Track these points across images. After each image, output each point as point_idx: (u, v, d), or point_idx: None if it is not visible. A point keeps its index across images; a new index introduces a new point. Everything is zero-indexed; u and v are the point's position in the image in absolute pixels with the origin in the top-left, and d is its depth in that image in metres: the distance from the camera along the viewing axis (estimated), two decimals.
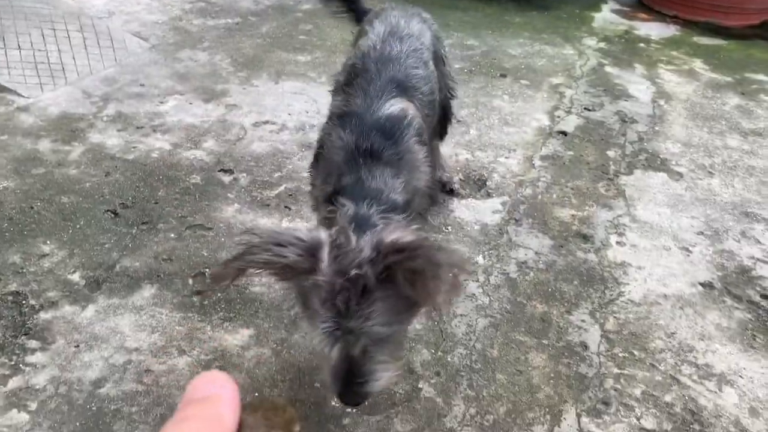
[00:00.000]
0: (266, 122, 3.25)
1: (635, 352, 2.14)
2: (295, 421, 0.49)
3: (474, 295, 2.32)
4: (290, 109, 3.38)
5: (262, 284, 2.29)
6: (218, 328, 2.11)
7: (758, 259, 2.56)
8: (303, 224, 2.59)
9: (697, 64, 4.21)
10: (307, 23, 4.44)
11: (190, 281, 2.29)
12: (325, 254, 1.35)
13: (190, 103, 3.37)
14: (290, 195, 2.75)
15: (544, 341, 2.15)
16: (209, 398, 0.45)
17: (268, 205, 2.68)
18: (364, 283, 1.31)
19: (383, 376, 1.45)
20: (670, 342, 2.19)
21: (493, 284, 2.38)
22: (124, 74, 3.62)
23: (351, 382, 1.43)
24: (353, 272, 1.31)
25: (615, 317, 2.27)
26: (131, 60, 3.77)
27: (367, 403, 1.69)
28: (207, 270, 2.33)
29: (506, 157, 3.12)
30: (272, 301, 2.23)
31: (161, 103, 3.37)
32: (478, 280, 2.39)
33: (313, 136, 3.09)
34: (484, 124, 3.33)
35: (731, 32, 4.77)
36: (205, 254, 2.41)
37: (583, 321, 2.24)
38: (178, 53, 3.89)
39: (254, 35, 4.18)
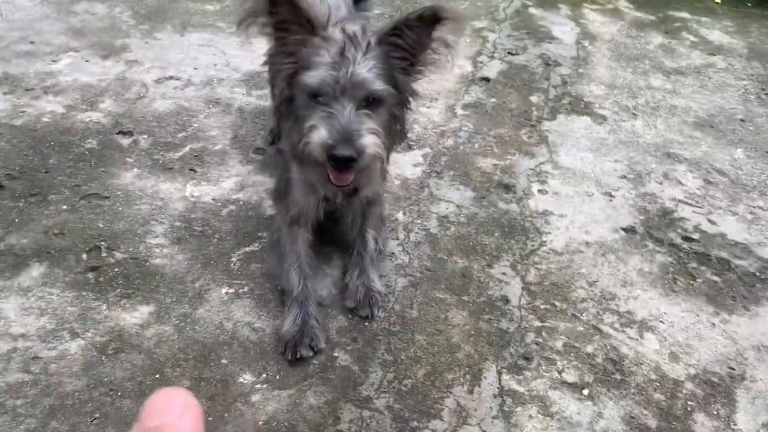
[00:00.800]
0: (170, 78, 3.02)
1: (557, 303, 2.08)
2: None
3: (393, 254, 2.22)
4: (196, 63, 3.14)
5: (163, 255, 2.13)
6: (115, 306, 1.95)
7: (680, 201, 2.54)
8: (212, 187, 2.42)
9: (622, 3, 4.14)
10: None
11: (84, 256, 2.10)
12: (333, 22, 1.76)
13: (87, 61, 3.10)
14: (196, 156, 2.56)
15: (464, 298, 2.07)
16: (162, 430, 0.40)
17: (172, 169, 2.49)
18: (368, 41, 1.64)
19: (372, 140, 1.63)
20: (591, 291, 2.14)
21: (413, 241, 2.27)
22: (11, 31, 3.29)
23: (346, 131, 1.60)
24: (360, 33, 1.65)
25: (536, 268, 2.20)
26: (19, 15, 3.43)
27: (354, 165, 1.66)
28: (103, 243, 2.15)
29: (427, 107, 2.99)
30: (175, 274, 2.07)
31: (54, 61, 3.08)
32: (397, 238, 2.28)
33: (221, 91, 2.89)
34: None
35: None
36: (101, 226, 2.22)
37: (504, 274, 2.17)
38: (73, 6, 3.57)
39: None
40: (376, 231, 2.13)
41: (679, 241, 2.36)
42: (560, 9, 4.06)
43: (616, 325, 2.03)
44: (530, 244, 2.30)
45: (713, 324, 2.06)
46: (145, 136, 2.63)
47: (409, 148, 2.71)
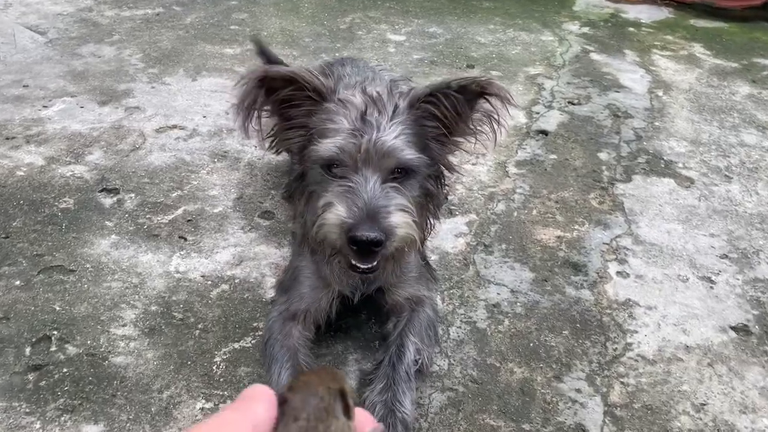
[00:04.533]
0: (173, 127, 2.59)
1: None
2: (343, 377, 0.54)
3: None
4: (206, 111, 2.72)
5: (128, 351, 1.63)
6: (52, 425, 1.45)
7: None
8: (203, 260, 1.94)
9: (697, 49, 3.62)
10: (242, 12, 3.79)
11: (28, 350, 1.62)
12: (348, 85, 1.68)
13: (82, 107, 2.71)
14: (189, 220, 2.09)
15: (525, 426, 1.51)
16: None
17: (157, 236, 2.02)
18: (396, 104, 1.42)
19: (402, 219, 1.38)
20: (700, 419, 1.56)
21: (455, 339, 1.73)
22: (6, 74, 2.94)
23: (370, 208, 1.35)
24: (385, 94, 1.45)
25: (622, 383, 1.63)
26: (18, 57, 3.10)
27: (377, 261, 1.39)
28: (55, 333, 1.67)
29: (473, 164, 2.48)
30: (139, 379, 1.57)
31: (45, 107, 2.70)
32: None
33: (231, 143, 2.45)
34: None
35: (730, 14, 4.19)
36: (57, 308, 1.74)
37: (578, 391, 1.60)
38: (80, 48, 3.22)
39: (176, 26, 3.53)
40: (422, 342, 1.62)
41: None
42: (626, 55, 3.56)
43: None
44: (612, 348, 1.73)
45: None
46: (133, 195, 2.19)
47: (450, 214, 2.20)
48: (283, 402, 0.51)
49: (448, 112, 1.41)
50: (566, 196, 2.31)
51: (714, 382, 1.66)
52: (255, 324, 1.73)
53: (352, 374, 1.62)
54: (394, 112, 1.40)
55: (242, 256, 1.96)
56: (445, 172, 1.55)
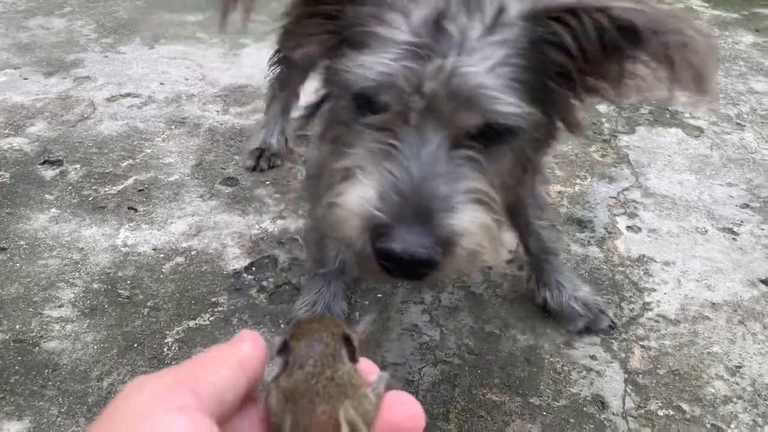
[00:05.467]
0: (126, 95, 2.33)
1: (684, 407, 1.27)
2: (345, 324, 0.52)
3: (416, 326, 1.44)
4: (164, 78, 2.46)
5: (64, 335, 1.38)
6: None
7: None
8: (155, 232, 1.69)
9: (694, 2, 3.40)
10: None
11: None
12: None
13: (25, 79, 2.44)
14: (141, 190, 1.84)
15: (532, 400, 1.27)
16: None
17: (104, 208, 1.77)
18: (501, 6, 0.85)
19: (473, 220, 0.85)
20: (736, 383, 1.33)
21: (447, 306, 1.50)
22: None
23: (420, 195, 0.83)
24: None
25: (642, 347, 1.40)
26: None
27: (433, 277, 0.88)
28: None
29: None
30: (75, 366, 1.32)
31: None
32: (422, 301, 1.51)
33: (190, 109, 2.21)
34: None
35: None
36: None
37: (593, 358, 1.37)
38: (27, 21, 2.95)
39: None
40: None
41: None
42: None
43: None
44: (628, 308, 1.50)
45: None
46: (78, 166, 1.93)
47: None
48: (284, 349, 0.48)
49: (591, 45, 0.84)
50: (565, 150, 2.08)
51: (748, 341, 1.43)
52: (214, 299, 1.49)
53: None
54: (495, 20, 0.84)
55: (200, 225, 1.71)
56: (557, 132, 1.01)
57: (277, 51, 1.90)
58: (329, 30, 0.92)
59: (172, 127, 2.14)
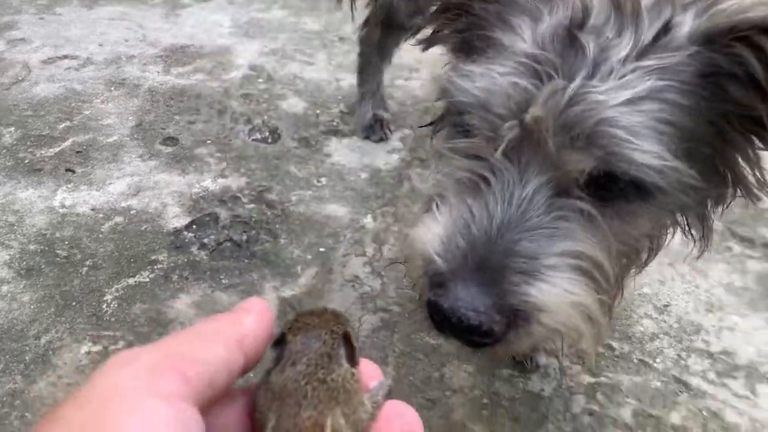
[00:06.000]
0: (64, 57, 2.27)
1: (614, 345, 1.33)
2: (348, 320, 0.48)
3: (357, 277, 1.46)
4: (103, 39, 2.40)
5: (1, 296, 1.36)
6: None
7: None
8: (94, 193, 1.66)
9: None
10: None
11: None
12: None
13: None
14: (79, 152, 1.80)
15: None
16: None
17: (40, 170, 1.73)
18: (667, 21, 0.66)
19: (560, 292, 0.67)
20: (664, 321, 1.39)
21: (389, 258, 1.52)
22: None
23: (494, 252, 0.67)
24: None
25: None
26: None
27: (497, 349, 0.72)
28: None
29: (406, 79, 2.25)
30: (11, 326, 1.30)
31: None
32: (364, 254, 1.53)
33: (130, 70, 2.16)
34: None
35: None
36: None
37: None
38: None
39: None
40: None
41: None
42: None
43: (711, 375, 1.28)
44: None
45: None
46: (12, 129, 1.88)
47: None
48: (281, 342, 0.45)
49: None
50: None
51: (677, 281, 1.49)
52: (154, 257, 1.48)
53: (271, 303, 1.39)
54: (655, 39, 0.65)
55: (140, 185, 1.69)
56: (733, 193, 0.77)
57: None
58: (457, 29, 0.81)
59: (112, 88, 2.10)
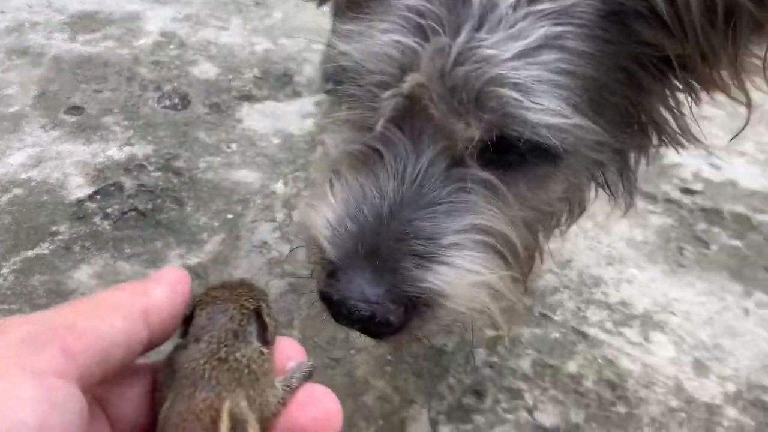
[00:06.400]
0: None
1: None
2: (264, 295, 0.46)
3: (266, 243, 1.45)
4: (4, 5, 2.28)
5: None
6: None
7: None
8: None
9: None
10: None
11: None
12: None
13: None
14: None
15: None
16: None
17: None
18: None
19: (462, 273, 0.62)
20: (565, 276, 1.44)
21: (299, 223, 1.51)
22: None
23: (389, 234, 0.62)
24: None
25: None
26: None
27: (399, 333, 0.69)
28: None
29: (323, 43, 2.22)
30: None
31: None
32: (273, 219, 1.52)
33: (34, 38, 2.06)
34: (292, 3, 2.40)
35: None
36: None
37: None
38: None
39: None
40: None
41: (677, 194, 1.67)
42: None
43: (608, 325, 1.33)
44: None
45: (746, 310, 1.38)
46: None
47: (296, 94, 1.94)
48: (191, 316, 0.41)
49: (694, 14, 0.56)
50: None
51: (580, 239, 1.53)
52: (54, 228, 1.44)
53: None
54: None
55: (41, 156, 1.63)
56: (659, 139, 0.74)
57: None
58: None
59: (13, 57, 2.00)
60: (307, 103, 1.91)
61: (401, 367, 1.21)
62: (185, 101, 1.85)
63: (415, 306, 0.62)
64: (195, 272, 1.35)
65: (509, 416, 1.15)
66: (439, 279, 0.61)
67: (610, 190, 0.79)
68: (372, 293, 0.60)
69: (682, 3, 0.55)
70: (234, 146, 1.71)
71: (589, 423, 1.15)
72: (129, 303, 0.37)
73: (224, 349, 0.40)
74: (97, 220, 1.47)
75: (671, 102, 0.68)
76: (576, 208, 0.80)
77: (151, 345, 0.38)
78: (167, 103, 1.84)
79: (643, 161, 0.78)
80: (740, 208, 1.63)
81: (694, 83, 0.65)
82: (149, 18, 2.23)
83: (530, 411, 1.17)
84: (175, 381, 0.39)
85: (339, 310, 0.63)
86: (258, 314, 0.43)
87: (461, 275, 0.62)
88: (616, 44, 0.61)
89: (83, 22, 2.20)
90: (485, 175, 0.63)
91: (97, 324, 0.34)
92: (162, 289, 0.40)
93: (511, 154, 0.62)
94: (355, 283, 0.60)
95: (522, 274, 0.73)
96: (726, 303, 1.39)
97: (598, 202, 1.53)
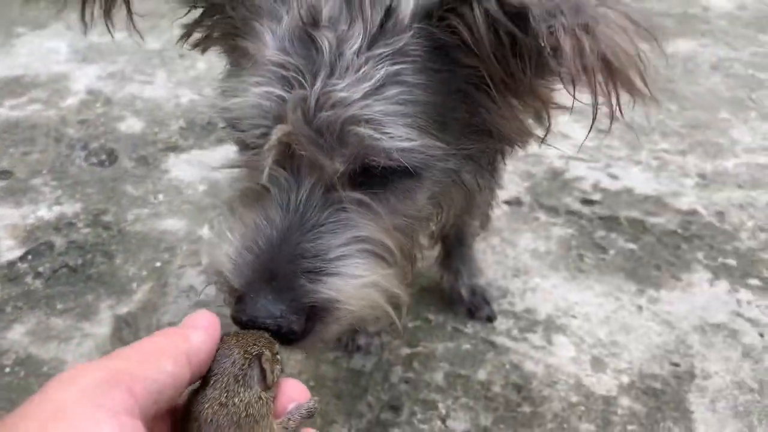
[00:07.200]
0: None
1: (430, 317, 1.47)
2: (269, 342, 0.51)
3: (192, 287, 1.53)
4: None
5: None
6: None
7: (569, 157, 2.00)
8: None
9: None
10: None
11: None
12: None
13: None
14: None
15: None
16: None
17: None
18: (389, 4, 0.70)
19: (352, 281, 0.74)
20: None
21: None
22: None
23: (283, 258, 0.72)
24: None
25: None
26: None
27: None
28: None
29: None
30: None
31: None
32: (199, 264, 1.60)
33: None
34: (215, 53, 2.50)
35: None
36: None
37: None
38: None
39: None
40: None
41: (577, 206, 1.81)
42: None
43: (514, 333, 1.45)
44: None
45: (639, 307, 1.52)
46: None
47: (221, 141, 2.04)
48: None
49: (486, 37, 0.67)
50: None
51: (488, 254, 1.65)
52: None
53: (105, 322, 1.44)
54: (381, 25, 0.70)
55: None
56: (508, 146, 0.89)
57: None
58: (225, 32, 0.82)
59: None
60: (232, 148, 2.00)
61: (322, 391, 1.30)
62: (112, 157, 1.93)
63: (315, 314, 0.72)
64: (125, 321, 1.43)
65: (424, 426, 1.25)
66: (330, 288, 0.72)
67: (478, 185, 0.89)
68: (276, 309, 0.69)
69: (477, 35, 0.67)
70: (161, 197, 1.80)
71: (497, 425, 1.26)
72: (174, 348, 0.43)
73: (225, 394, 0.44)
74: (28, 279, 1.53)
75: (506, 112, 0.79)
76: (448, 205, 0.91)
77: (191, 383, 0.44)
78: (95, 160, 1.91)
79: (498, 158, 0.93)
80: (635, 213, 1.78)
81: (512, 99, 0.77)
82: (76, 77, 2.31)
83: (443, 419, 1.27)
84: (187, 423, 0.45)
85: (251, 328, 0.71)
86: (259, 359, 0.47)
87: (348, 281, 0.73)
88: (446, 72, 0.73)
89: (9, 87, 2.27)
90: (357, 195, 0.74)
91: (151, 368, 0.40)
92: (199, 333, 0.45)
93: (376, 176, 0.74)
94: (260, 304, 0.69)
95: (403, 270, 0.83)
96: (622, 302, 1.52)
97: (504, 218, 1.66)
